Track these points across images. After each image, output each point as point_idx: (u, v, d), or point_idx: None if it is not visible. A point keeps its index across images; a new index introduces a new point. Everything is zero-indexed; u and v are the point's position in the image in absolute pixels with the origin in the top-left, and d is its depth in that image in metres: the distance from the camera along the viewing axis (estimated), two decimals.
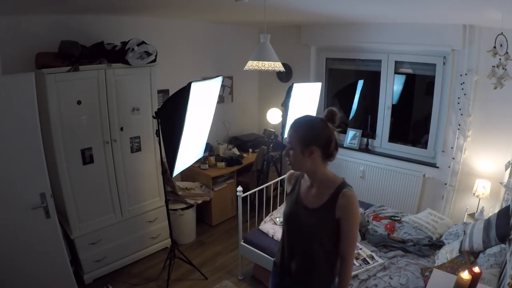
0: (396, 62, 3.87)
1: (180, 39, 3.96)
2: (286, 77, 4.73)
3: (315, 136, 1.45)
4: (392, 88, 3.96)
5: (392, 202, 3.96)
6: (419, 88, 4.05)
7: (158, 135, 2.70)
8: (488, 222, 2.44)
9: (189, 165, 3.02)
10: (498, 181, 3.13)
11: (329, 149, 1.47)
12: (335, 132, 1.47)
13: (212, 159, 4.07)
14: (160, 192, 3.38)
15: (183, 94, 2.42)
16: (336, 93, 4.70)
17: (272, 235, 2.99)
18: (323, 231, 1.50)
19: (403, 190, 3.90)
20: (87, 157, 2.83)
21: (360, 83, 4.15)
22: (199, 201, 3.67)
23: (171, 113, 2.54)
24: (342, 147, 4.34)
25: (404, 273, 2.40)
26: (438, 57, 3.53)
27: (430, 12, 2.74)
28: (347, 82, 4.60)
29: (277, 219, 3.18)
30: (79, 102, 2.71)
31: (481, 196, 3.25)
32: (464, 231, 2.65)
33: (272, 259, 2.81)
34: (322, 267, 1.56)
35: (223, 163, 4.05)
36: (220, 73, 3.85)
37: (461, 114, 3.35)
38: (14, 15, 2.65)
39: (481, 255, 2.21)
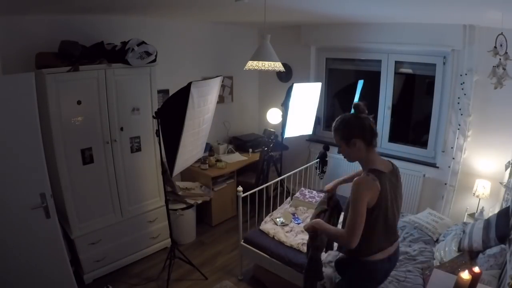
0: (396, 62, 3.87)
1: (180, 39, 3.95)
2: (286, 77, 4.73)
3: (351, 130, 1.74)
4: (392, 88, 3.95)
5: None
6: (419, 88, 4.05)
7: (158, 135, 2.70)
8: (488, 222, 2.44)
9: (189, 165, 3.02)
10: (498, 181, 3.13)
11: (367, 136, 1.73)
12: (370, 121, 1.76)
13: (212, 159, 4.07)
14: (160, 192, 3.38)
15: (183, 94, 2.43)
16: (336, 93, 4.69)
17: (273, 235, 2.98)
18: None
19: (403, 190, 3.88)
20: (87, 157, 2.83)
21: (360, 83, 4.14)
22: (199, 201, 3.67)
23: (171, 113, 2.54)
24: None
25: (404, 273, 2.40)
26: (438, 57, 3.53)
27: (430, 12, 2.74)
28: (347, 82, 4.59)
29: (277, 219, 3.18)
30: (79, 102, 2.71)
31: (481, 196, 3.25)
32: (464, 231, 2.65)
33: (272, 259, 2.83)
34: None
35: (223, 163, 4.05)
36: (220, 73, 3.84)
37: (461, 114, 3.35)
38: (14, 15, 2.65)
39: (480, 255, 2.21)
